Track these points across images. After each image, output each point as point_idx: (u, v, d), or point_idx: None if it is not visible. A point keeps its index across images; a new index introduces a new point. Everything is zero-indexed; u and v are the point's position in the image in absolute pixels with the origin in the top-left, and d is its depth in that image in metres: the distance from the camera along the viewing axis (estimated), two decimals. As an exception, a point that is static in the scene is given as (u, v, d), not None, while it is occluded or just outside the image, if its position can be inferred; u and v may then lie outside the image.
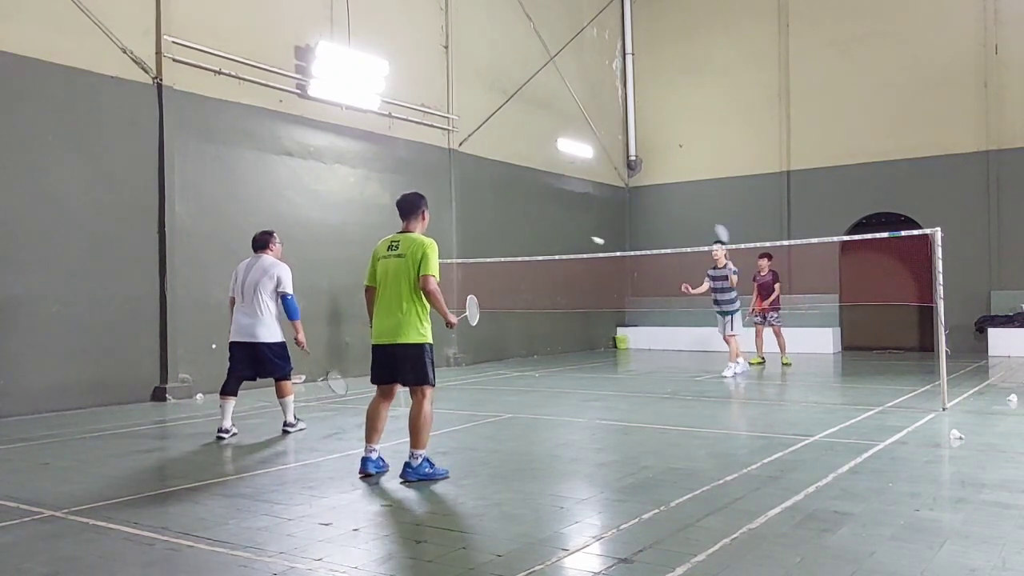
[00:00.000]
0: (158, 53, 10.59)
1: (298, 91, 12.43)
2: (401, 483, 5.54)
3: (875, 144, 17.22)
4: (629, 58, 20.56)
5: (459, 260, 14.48)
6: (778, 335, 14.41)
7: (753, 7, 18.84)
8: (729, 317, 12.63)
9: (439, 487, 5.44)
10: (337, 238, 12.96)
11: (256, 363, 7.62)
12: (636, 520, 4.53)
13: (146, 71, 10.50)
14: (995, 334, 15.57)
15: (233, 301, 7.71)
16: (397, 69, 13.81)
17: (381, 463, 5.85)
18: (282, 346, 7.69)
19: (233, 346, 7.65)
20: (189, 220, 10.93)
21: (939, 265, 8.55)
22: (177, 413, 9.34)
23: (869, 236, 10.44)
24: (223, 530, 4.47)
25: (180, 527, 4.54)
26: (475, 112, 15.78)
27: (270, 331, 7.58)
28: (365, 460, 5.80)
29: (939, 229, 8.67)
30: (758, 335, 14.35)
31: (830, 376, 13.05)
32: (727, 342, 12.62)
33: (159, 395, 10.40)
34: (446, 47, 15.24)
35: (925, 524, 4.39)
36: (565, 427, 8.03)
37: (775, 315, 14.35)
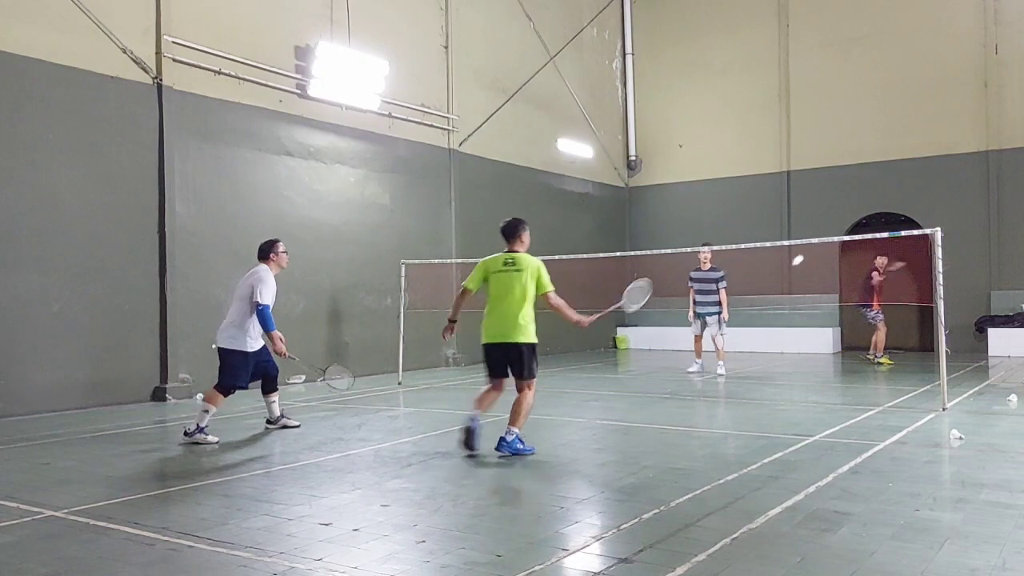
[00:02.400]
0: (158, 53, 10.59)
1: (298, 91, 12.43)
2: (499, 457, 6.39)
3: (875, 144, 17.22)
4: (629, 58, 20.56)
5: (459, 260, 14.47)
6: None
7: (753, 7, 18.84)
8: (715, 318, 12.75)
9: (439, 487, 5.44)
10: (337, 238, 12.97)
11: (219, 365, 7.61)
12: (636, 520, 4.53)
13: (146, 71, 10.50)
14: (995, 334, 15.57)
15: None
16: (397, 69, 13.82)
17: (479, 430, 6.58)
18: (233, 355, 7.47)
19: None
20: (189, 220, 10.93)
21: (939, 265, 8.55)
22: (177, 413, 9.33)
23: (869, 236, 10.43)
24: (223, 530, 4.48)
25: (180, 527, 4.54)
26: (475, 112, 15.79)
27: (225, 336, 7.51)
28: (470, 427, 6.59)
29: (939, 229, 8.67)
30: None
31: (830, 376, 13.04)
32: (714, 342, 12.74)
33: (159, 395, 10.40)
34: (446, 47, 15.24)
35: (925, 524, 4.39)
36: (565, 427, 8.03)
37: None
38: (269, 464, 6.37)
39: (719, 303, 12.73)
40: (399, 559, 3.96)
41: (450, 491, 5.33)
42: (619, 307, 7.29)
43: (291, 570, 3.82)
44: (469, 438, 6.55)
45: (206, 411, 7.33)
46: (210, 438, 7.26)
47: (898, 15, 17.08)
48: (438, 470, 6.02)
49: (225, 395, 7.51)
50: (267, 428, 7.94)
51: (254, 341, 7.57)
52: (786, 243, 11.87)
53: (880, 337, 14.06)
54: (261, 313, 7.43)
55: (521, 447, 6.53)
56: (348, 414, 9.04)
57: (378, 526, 4.55)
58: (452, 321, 7.06)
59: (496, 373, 6.77)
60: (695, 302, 12.91)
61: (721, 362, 12.64)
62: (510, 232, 7.01)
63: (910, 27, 16.94)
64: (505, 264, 6.81)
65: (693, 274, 12.97)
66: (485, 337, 6.78)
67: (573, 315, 6.80)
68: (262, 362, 7.78)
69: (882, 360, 14.01)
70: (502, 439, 6.52)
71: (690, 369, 12.98)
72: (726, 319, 12.81)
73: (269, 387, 7.94)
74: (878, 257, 14.04)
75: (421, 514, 4.78)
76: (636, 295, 7.31)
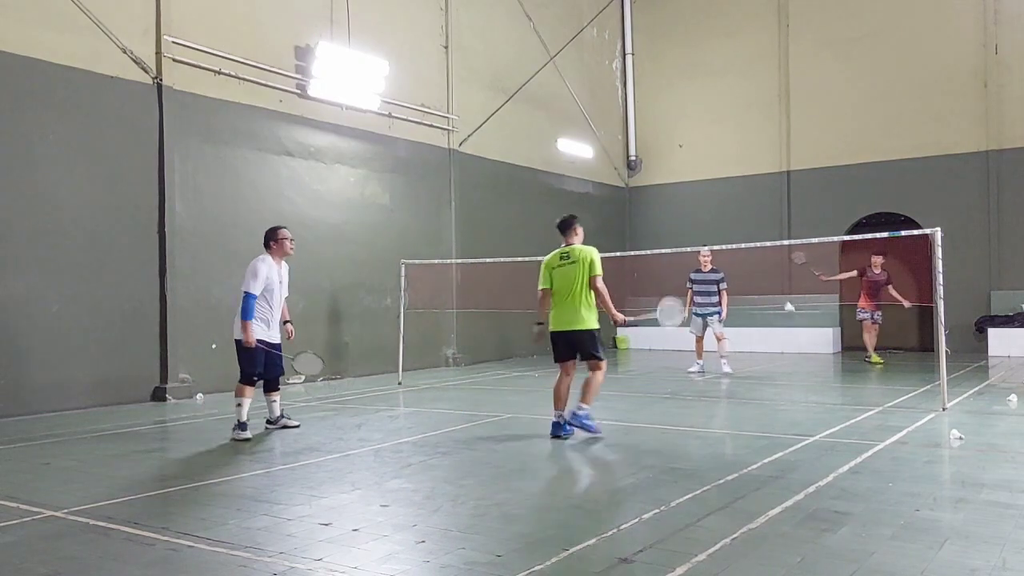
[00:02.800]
0: (158, 53, 10.59)
1: (298, 91, 12.43)
2: (565, 433, 7.16)
3: (875, 144, 17.22)
4: (629, 58, 20.56)
5: (459, 260, 14.48)
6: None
7: (753, 8, 18.84)
8: (715, 318, 12.81)
9: (439, 487, 5.44)
10: (337, 238, 12.97)
11: None
12: (636, 520, 4.53)
13: (146, 71, 10.50)
14: (995, 334, 15.57)
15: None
16: (397, 69, 13.82)
17: (567, 427, 7.21)
18: (239, 344, 7.55)
19: None
20: (189, 220, 10.92)
21: (939, 265, 8.55)
22: (177, 413, 9.34)
23: (869, 236, 10.42)
24: (223, 530, 4.48)
25: (180, 527, 4.54)
26: (475, 112, 15.78)
27: (234, 327, 7.64)
28: (555, 424, 7.29)
29: (939, 229, 8.67)
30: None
31: (830, 376, 13.04)
32: (717, 338, 12.78)
33: (159, 395, 10.40)
34: (446, 47, 15.24)
35: (925, 524, 4.39)
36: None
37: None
38: (269, 464, 6.37)
39: (719, 304, 12.78)
40: (399, 559, 3.96)
41: (450, 491, 5.33)
42: (651, 316, 8.15)
43: (291, 570, 3.82)
44: (558, 431, 7.25)
45: (239, 405, 7.47)
46: (244, 433, 7.41)
47: (898, 15, 17.08)
48: (438, 470, 6.02)
49: (247, 385, 7.56)
50: (267, 428, 7.93)
51: (259, 329, 7.56)
52: (786, 243, 11.87)
53: (865, 338, 14.26)
54: (243, 300, 7.45)
55: (589, 423, 7.15)
56: (348, 414, 9.05)
57: (378, 526, 4.55)
58: (540, 323, 7.55)
59: (562, 358, 7.43)
60: (695, 303, 12.94)
61: (725, 359, 12.67)
62: (565, 227, 7.67)
63: (910, 27, 16.94)
64: (561, 259, 7.46)
65: (693, 275, 13.01)
66: (552, 326, 7.43)
67: (611, 307, 7.31)
68: (276, 357, 7.77)
69: (875, 360, 14.10)
70: (573, 413, 7.17)
71: (691, 369, 13.00)
72: (723, 318, 12.88)
73: (270, 386, 7.93)
74: (873, 256, 14.12)
75: (421, 514, 4.78)
76: (670, 313, 8.40)
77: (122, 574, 3.86)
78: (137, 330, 10.31)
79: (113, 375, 10.06)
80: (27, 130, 9.38)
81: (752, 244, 10.74)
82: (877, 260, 13.97)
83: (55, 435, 7.86)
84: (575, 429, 7.20)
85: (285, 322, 8.02)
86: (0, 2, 9.19)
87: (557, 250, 7.56)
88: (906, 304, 13.89)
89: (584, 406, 7.18)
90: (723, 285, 12.80)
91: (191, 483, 5.69)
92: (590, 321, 7.30)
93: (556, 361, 7.47)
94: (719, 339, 12.77)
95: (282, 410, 8.10)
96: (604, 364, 7.34)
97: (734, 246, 11.36)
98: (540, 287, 7.49)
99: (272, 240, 7.78)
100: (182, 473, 6.08)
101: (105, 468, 6.30)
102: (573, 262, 7.35)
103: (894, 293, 13.80)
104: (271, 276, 7.63)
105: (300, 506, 4.99)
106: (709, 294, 12.82)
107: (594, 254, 7.36)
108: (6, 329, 9.12)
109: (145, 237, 10.47)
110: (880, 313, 14.36)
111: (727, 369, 12.53)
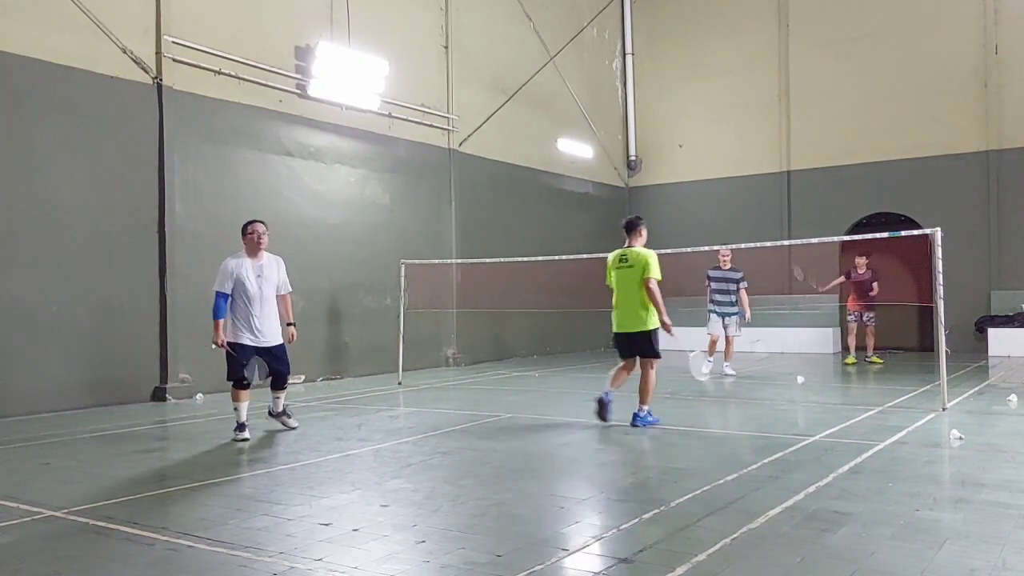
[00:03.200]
0: (158, 53, 10.59)
1: (298, 91, 12.43)
2: (631, 427, 7.55)
3: (875, 144, 17.22)
4: (629, 58, 20.56)
5: (459, 260, 14.47)
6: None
7: (753, 7, 18.84)
8: (733, 318, 12.74)
9: (439, 487, 5.44)
10: (337, 238, 12.97)
11: None
12: (636, 520, 4.53)
13: (146, 71, 10.50)
14: (995, 334, 15.57)
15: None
16: (397, 69, 13.82)
17: (611, 405, 7.71)
18: (232, 347, 7.40)
19: None
20: (189, 220, 10.92)
21: (939, 265, 8.55)
22: (177, 413, 9.34)
23: (869, 236, 10.42)
24: (223, 530, 4.47)
25: (180, 527, 4.54)
26: (475, 112, 15.78)
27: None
28: (599, 400, 7.73)
29: (939, 229, 8.67)
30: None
31: (830, 376, 13.04)
32: (728, 342, 12.76)
33: (159, 395, 10.40)
34: (446, 47, 15.24)
35: (925, 524, 4.39)
36: (565, 427, 8.02)
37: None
38: (269, 464, 6.37)
39: (738, 303, 12.70)
40: (399, 559, 3.96)
41: (450, 491, 5.33)
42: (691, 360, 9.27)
43: (291, 570, 3.82)
44: (602, 410, 7.66)
45: (235, 408, 7.43)
46: (243, 434, 7.36)
47: (898, 15, 17.07)
48: (438, 470, 6.02)
49: (236, 388, 7.46)
50: (267, 418, 7.98)
51: (240, 332, 7.37)
52: (786, 243, 11.89)
53: (848, 339, 14.38)
54: (215, 299, 7.36)
55: (651, 420, 7.68)
56: (348, 414, 9.04)
57: (378, 526, 4.54)
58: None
59: (625, 355, 7.95)
60: (714, 301, 12.82)
61: (728, 362, 12.67)
62: (630, 228, 7.99)
63: (910, 27, 16.93)
64: (620, 261, 7.87)
65: (712, 272, 12.87)
66: (614, 327, 7.96)
67: (663, 311, 7.62)
68: (275, 358, 7.65)
69: (847, 361, 14.23)
70: (635, 415, 7.67)
71: (703, 368, 12.84)
72: (749, 319, 12.78)
73: (276, 384, 7.85)
74: (857, 257, 14.14)
75: (421, 514, 4.78)
76: (696, 364, 9.30)
77: (122, 574, 3.86)
78: (137, 330, 10.31)
79: (113, 375, 10.06)
80: (27, 130, 9.38)
81: (752, 244, 10.73)
82: (861, 261, 14.02)
83: (55, 435, 7.86)
84: (638, 426, 7.60)
85: (288, 324, 7.82)
86: (0, 2, 9.19)
87: (618, 250, 7.97)
88: (872, 292, 13.93)
89: (644, 407, 7.70)
90: (743, 284, 12.68)
91: (191, 483, 5.69)
92: (646, 323, 7.67)
93: (620, 357, 8.00)
94: (728, 341, 12.75)
95: (285, 407, 8.01)
96: (656, 364, 7.79)
97: (734, 246, 11.38)
98: (606, 283, 8.03)
99: (243, 236, 7.61)
100: (182, 473, 6.07)
101: (105, 468, 6.30)
102: (631, 266, 7.72)
103: (875, 291, 13.78)
104: (241, 273, 7.36)
105: (300, 506, 4.99)
106: (727, 292, 12.72)
107: (651, 258, 7.67)
108: (6, 329, 9.12)
109: (145, 237, 10.47)
110: (873, 314, 14.37)
111: (729, 371, 12.51)
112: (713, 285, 12.85)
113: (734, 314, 12.76)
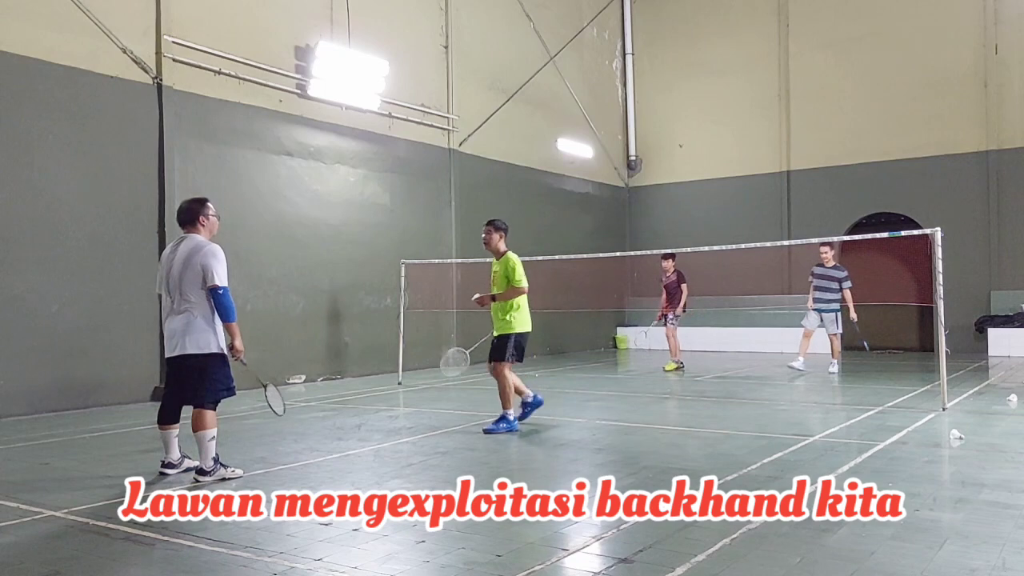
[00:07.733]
0: (158, 53, 10.59)
1: (298, 91, 12.43)
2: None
3: (875, 144, 17.22)
4: (629, 58, 20.57)
5: (459, 260, 14.47)
6: (671, 338, 13.76)
7: (753, 7, 18.84)
8: (832, 316, 12.76)
9: (439, 487, 5.44)
10: (337, 238, 12.97)
11: (181, 382, 5.83)
12: (636, 520, 4.53)
13: (146, 71, 10.50)
14: (995, 334, 15.57)
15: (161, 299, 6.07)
16: (397, 69, 13.82)
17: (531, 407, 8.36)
18: (212, 359, 5.78)
19: (167, 361, 5.96)
20: (189, 220, 10.90)
21: (939, 265, 8.55)
22: (177, 413, 9.32)
23: (869, 236, 10.42)
24: (223, 530, 4.47)
25: (180, 527, 4.54)
26: (475, 112, 15.78)
27: (194, 339, 5.72)
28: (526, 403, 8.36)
29: (939, 229, 8.67)
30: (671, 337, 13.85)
31: (830, 376, 13.02)
32: (830, 341, 12.90)
33: (159, 395, 10.33)
34: (446, 47, 15.24)
35: (925, 524, 4.39)
36: (565, 427, 8.03)
37: (672, 317, 13.61)
38: (269, 464, 6.37)
39: (838, 301, 12.66)
40: (399, 559, 3.96)
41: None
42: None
43: (291, 570, 3.82)
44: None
45: (212, 439, 5.74)
46: (236, 471, 5.92)
47: (898, 15, 17.07)
48: (438, 470, 6.01)
49: (214, 410, 5.86)
50: (162, 473, 5.99)
51: (221, 335, 5.90)
52: (786, 243, 11.89)
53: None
54: (221, 299, 5.78)
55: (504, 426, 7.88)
56: (348, 414, 9.05)
57: (378, 526, 4.54)
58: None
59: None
60: (815, 298, 12.86)
61: (835, 360, 12.77)
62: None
63: (910, 27, 16.93)
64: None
65: (816, 270, 12.93)
66: (527, 327, 8.82)
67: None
68: (183, 373, 5.85)
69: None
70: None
71: (793, 364, 12.84)
72: (854, 318, 12.55)
73: (168, 418, 5.98)
74: (663, 261, 13.60)
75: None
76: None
77: (122, 574, 3.86)
78: (137, 330, 10.31)
79: (113, 375, 10.06)
80: (27, 130, 9.38)
81: (752, 244, 10.74)
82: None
83: (55, 435, 7.86)
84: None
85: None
86: (0, 2, 9.19)
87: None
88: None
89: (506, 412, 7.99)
90: (846, 284, 12.58)
91: (191, 483, 5.68)
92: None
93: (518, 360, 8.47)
94: (831, 339, 12.82)
95: (182, 451, 6.13)
96: (503, 366, 8.27)
97: (734, 246, 11.36)
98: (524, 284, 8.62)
99: (203, 216, 6.46)
100: (181, 473, 6.06)
101: (105, 468, 6.30)
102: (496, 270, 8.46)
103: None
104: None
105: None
106: (829, 290, 12.70)
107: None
108: (6, 329, 9.12)
109: (145, 237, 10.46)
110: (674, 316, 13.45)
111: (833, 369, 12.61)
112: (815, 282, 12.89)
113: (833, 311, 12.73)
